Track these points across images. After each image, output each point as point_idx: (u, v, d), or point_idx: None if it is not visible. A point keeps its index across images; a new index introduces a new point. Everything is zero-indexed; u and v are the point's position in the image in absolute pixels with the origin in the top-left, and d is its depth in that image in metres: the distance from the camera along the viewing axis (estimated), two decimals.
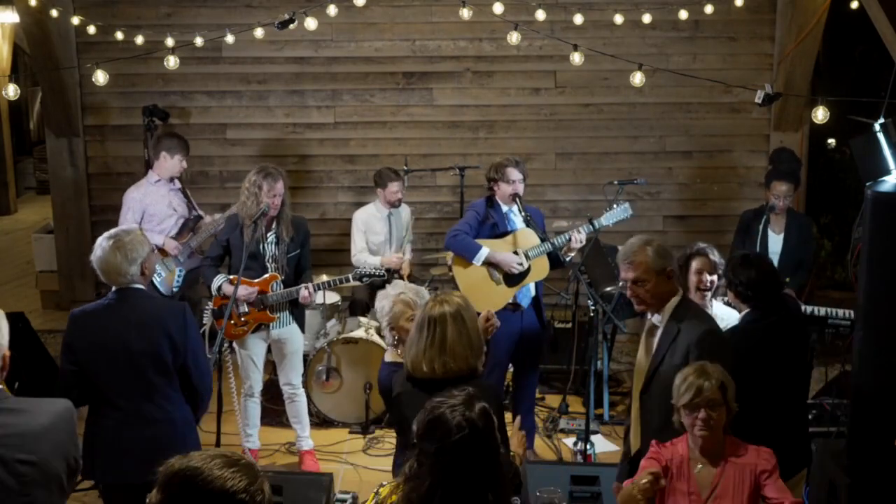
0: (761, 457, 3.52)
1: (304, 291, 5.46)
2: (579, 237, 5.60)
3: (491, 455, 2.65)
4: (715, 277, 4.68)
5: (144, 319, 3.94)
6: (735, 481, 3.48)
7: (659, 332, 3.86)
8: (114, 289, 4.00)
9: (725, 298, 4.80)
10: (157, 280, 6.36)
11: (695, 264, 4.66)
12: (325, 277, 5.83)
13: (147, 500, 2.13)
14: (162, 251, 6.42)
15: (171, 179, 6.67)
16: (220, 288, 5.45)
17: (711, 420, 3.44)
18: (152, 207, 6.54)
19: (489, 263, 5.59)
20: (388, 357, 4.09)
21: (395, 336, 4.03)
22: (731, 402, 3.49)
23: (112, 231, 4.03)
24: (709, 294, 4.68)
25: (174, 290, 6.53)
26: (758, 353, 4.17)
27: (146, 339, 3.92)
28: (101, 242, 3.96)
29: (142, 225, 6.48)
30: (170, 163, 6.58)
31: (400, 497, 2.68)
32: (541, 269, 5.68)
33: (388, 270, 6.07)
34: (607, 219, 5.78)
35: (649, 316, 3.94)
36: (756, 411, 4.01)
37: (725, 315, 4.73)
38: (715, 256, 4.71)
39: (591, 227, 5.72)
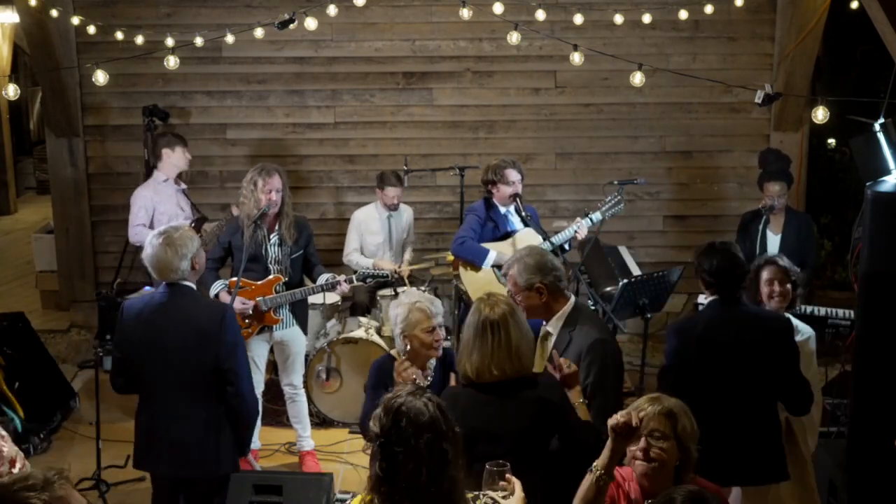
0: None
1: (344, 287, 5.53)
2: (583, 231, 5.95)
3: (442, 445, 2.49)
4: (789, 286, 4.49)
5: (183, 319, 4.00)
6: None
7: (552, 340, 3.87)
8: (164, 284, 4.06)
9: (801, 310, 4.73)
10: None
11: (765, 274, 4.51)
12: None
13: None
14: None
15: (178, 180, 6.72)
16: (217, 296, 5.44)
17: (652, 453, 2.96)
18: (162, 206, 6.57)
19: (496, 266, 5.68)
20: None
21: (407, 344, 3.92)
22: (685, 440, 3.00)
23: (161, 228, 4.11)
24: (785, 304, 4.48)
25: None
26: (720, 344, 4.02)
27: (182, 338, 3.98)
28: (151, 240, 4.03)
29: (152, 223, 6.51)
30: (174, 157, 6.60)
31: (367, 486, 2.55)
32: None
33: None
34: (603, 213, 6.05)
35: (544, 323, 3.93)
36: (721, 409, 3.94)
37: (802, 329, 4.53)
38: (785, 262, 4.55)
39: (589, 221, 6.01)
